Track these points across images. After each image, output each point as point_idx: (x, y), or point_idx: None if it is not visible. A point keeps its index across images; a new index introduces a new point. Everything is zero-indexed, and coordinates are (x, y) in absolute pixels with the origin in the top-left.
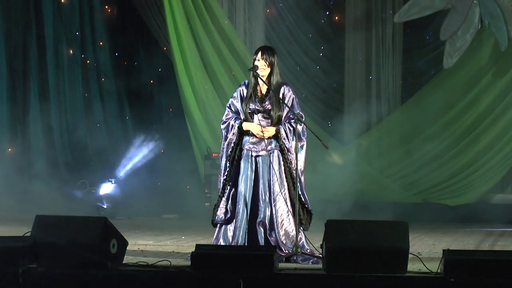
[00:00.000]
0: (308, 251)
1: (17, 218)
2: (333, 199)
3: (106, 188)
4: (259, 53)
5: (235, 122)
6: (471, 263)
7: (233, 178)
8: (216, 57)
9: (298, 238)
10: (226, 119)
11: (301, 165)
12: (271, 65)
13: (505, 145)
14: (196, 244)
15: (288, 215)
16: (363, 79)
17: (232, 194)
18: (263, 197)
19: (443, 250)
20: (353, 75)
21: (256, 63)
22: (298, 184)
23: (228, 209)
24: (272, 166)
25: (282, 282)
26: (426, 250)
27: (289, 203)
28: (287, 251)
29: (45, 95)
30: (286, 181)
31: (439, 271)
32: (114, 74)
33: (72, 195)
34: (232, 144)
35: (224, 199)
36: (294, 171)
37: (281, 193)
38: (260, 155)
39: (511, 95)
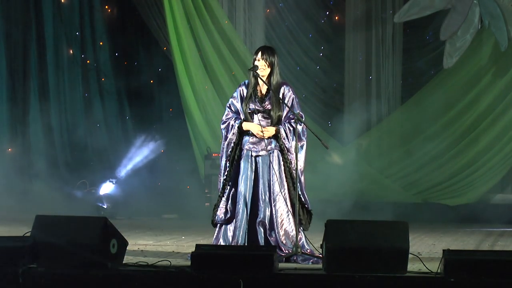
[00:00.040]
0: (308, 251)
1: (17, 218)
2: (333, 199)
3: (106, 188)
4: (259, 53)
5: (235, 122)
6: (471, 263)
7: (233, 178)
8: (216, 57)
9: (298, 238)
10: (226, 119)
11: (301, 165)
12: (271, 65)
13: (505, 145)
14: (196, 244)
15: (288, 215)
16: (363, 79)
17: (232, 194)
18: (263, 197)
19: (443, 250)
20: (353, 75)
21: (256, 63)
22: (298, 184)
23: (228, 209)
24: (272, 166)
25: (282, 282)
26: (426, 250)
27: (289, 203)
28: (287, 251)
29: (45, 95)
30: (286, 181)
31: (439, 271)
32: (114, 74)
33: (72, 195)
34: (232, 144)
35: (224, 199)
36: (294, 171)
37: (281, 193)
38: (260, 155)
39: (511, 95)
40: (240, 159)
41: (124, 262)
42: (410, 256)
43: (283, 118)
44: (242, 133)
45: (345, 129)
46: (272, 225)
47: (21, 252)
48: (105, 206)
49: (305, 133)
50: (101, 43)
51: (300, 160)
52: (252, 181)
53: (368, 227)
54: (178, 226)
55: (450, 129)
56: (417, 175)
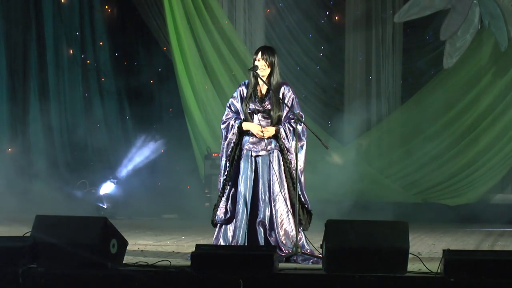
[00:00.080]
0: (308, 251)
1: (17, 218)
2: (333, 199)
3: (106, 188)
4: (259, 53)
5: (235, 122)
6: (471, 263)
7: (233, 178)
8: (216, 57)
9: (298, 238)
10: (226, 119)
11: (301, 165)
12: (271, 65)
13: (505, 145)
14: (196, 244)
15: (288, 215)
16: (363, 79)
17: (232, 194)
18: (263, 197)
19: (443, 250)
20: (353, 75)
21: (256, 63)
22: (298, 184)
23: (228, 209)
24: (272, 166)
25: (282, 282)
26: (426, 250)
27: (288, 203)
28: (287, 251)
29: (45, 95)
30: (286, 181)
31: (439, 271)
32: (114, 74)
33: (72, 195)
34: (232, 144)
35: (224, 199)
36: (294, 171)
37: (281, 193)
38: (260, 155)
39: (511, 95)
40: (240, 159)
41: (124, 262)
42: (410, 256)
43: (283, 118)
44: (242, 133)
45: (345, 129)
46: (272, 225)
47: (21, 252)
48: (105, 206)
49: (305, 133)
50: (101, 43)
51: (300, 160)
52: (252, 181)
53: (368, 227)
54: (178, 226)
55: (450, 129)
56: (417, 175)
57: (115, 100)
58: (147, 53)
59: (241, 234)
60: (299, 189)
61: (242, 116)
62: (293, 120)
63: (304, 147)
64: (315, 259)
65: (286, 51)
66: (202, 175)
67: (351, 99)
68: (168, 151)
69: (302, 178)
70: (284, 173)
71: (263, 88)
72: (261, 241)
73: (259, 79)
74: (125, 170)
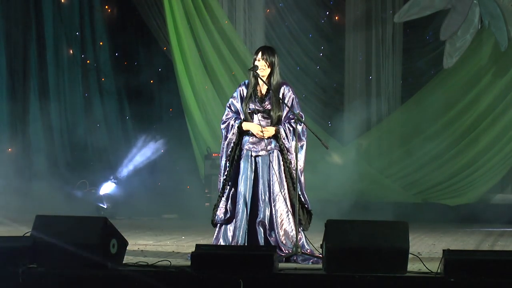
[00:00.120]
0: (308, 251)
1: (17, 218)
2: (333, 199)
3: (106, 188)
4: (260, 53)
5: (235, 122)
6: (471, 263)
7: (233, 178)
8: (216, 57)
9: (298, 238)
10: (226, 119)
11: (301, 165)
12: (271, 65)
13: (505, 145)
14: (196, 244)
15: (288, 215)
16: (363, 79)
17: (232, 194)
18: (263, 197)
19: (443, 250)
20: (353, 75)
21: (256, 63)
22: (298, 184)
23: (228, 209)
24: (272, 166)
25: (282, 282)
26: (426, 250)
27: (288, 203)
28: (287, 251)
29: (45, 95)
30: (286, 181)
31: (439, 271)
32: (114, 74)
33: (72, 195)
34: (232, 144)
35: (223, 199)
36: (293, 171)
37: (281, 193)
38: (259, 155)
39: (511, 95)
40: (240, 159)
41: (124, 262)
42: (410, 256)
43: (283, 118)
44: (242, 133)
45: (345, 129)
46: (272, 225)
47: (21, 252)
48: (105, 206)
49: (305, 133)
50: (101, 43)
51: (300, 160)
52: (252, 181)
53: (368, 227)
54: (178, 226)
55: (450, 129)
56: (417, 175)
57: (115, 100)
58: (147, 53)
59: (241, 234)
60: (299, 189)
61: (242, 116)
62: (293, 120)
63: (304, 147)
64: (315, 259)
65: (286, 51)
66: (202, 175)
67: (351, 99)
68: (168, 151)
69: (302, 178)
70: (284, 173)
71: (263, 88)
72: (261, 241)
73: (259, 79)
74: (125, 170)
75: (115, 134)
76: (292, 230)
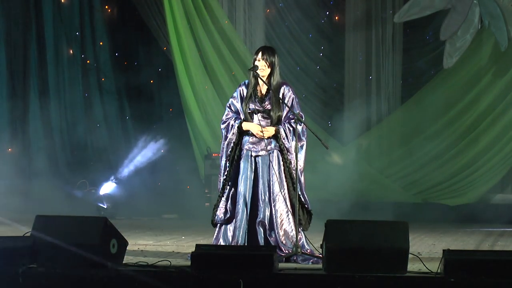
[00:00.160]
0: (308, 251)
1: (17, 218)
2: (333, 199)
3: (106, 188)
4: (260, 53)
5: (235, 122)
6: (471, 263)
7: (232, 178)
8: (216, 57)
9: (298, 238)
10: (226, 119)
11: (301, 165)
12: (271, 65)
13: (505, 145)
14: (196, 244)
15: (288, 215)
16: (363, 79)
17: (231, 194)
18: (263, 197)
19: (443, 250)
20: (353, 75)
21: (256, 63)
22: (298, 184)
23: (228, 209)
24: (272, 166)
25: (282, 282)
26: (426, 250)
27: (288, 203)
28: (287, 251)
29: (45, 95)
30: (286, 181)
31: (439, 271)
32: (114, 74)
33: (72, 195)
34: (232, 144)
35: (223, 199)
36: (293, 171)
37: (281, 193)
38: (259, 155)
39: (511, 95)
40: (240, 159)
41: (124, 262)
42: (410, 256)
43: (283, 118)
44: (242, 133)
45: (345, 129)
46: (271, 225)
47: (21, 252)
48: (105, 206)
49: (305, 133)
50: (101, 43)
51: (300, 160)
52: (252, 181)
53: (368, 227)
54: (178, 226)
55: (450, 129)
56: (417, 175)
57: (115, 100)
58: (147, 53)
59: (241, 234)
60: (299, 189)
61: (242, 116)
62: (293, 120)
63: (304, 147)
64: (315, 259)
65: (286, 51)
66: (202, 175)
67: (351, 99)
68: (168, 151)
69: (302, 178)
70: (284, 173)
71: (263, 88)
72: (261, 241)
73: (259, 79)
74: (126, 170)
75: (115, 134)
76: (292, 230)
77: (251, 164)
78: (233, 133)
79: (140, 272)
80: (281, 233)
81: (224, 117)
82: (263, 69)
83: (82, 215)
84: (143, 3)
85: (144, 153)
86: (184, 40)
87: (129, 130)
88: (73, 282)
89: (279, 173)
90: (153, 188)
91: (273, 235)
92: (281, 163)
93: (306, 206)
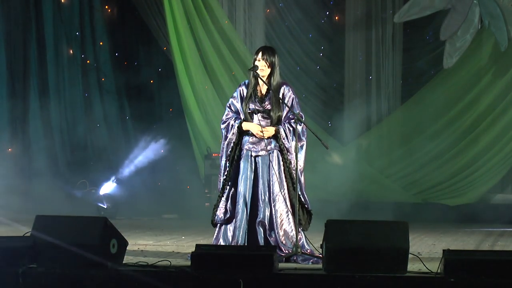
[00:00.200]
0: (308, 251)
1: (17, 218)
2: (333, 199)
3: (106, 188)
4: (260, 53)
5: (235, 122)
6: (471, 263)
7: (232, 178)
8: (216, 57)
9: (298, 238)
10: (226, 119)
11: (301, 165)
12: (271, 65)
13: (505, 145)
14: (196, 244)
15: (288, 215)
16: (363, 79)
17: (231, 194)
18: (263, 197)
19: (443, 250)
20: (353, 75)
21: (256, 63)
22: (298, 184)
23: (228, 209)
24: (272, 166)
25: (282, 282)
26: (426, 250)
27: (288, 203)
28: (287, 251)
29: (45, 95)
30: (286, 181)
31: (439, 271)
32: (114, 74)
33: (72, 195)
34: (232, 144)
35: (223, 199)
36: (293, 171)
37: (281, 193)
38: (259, 155)
39: (511, 95)
40: (240, 159)
41: (124, 262)
42: (410, 256)
43: (283, 118)
44: (242, 133)
45: (345, 129)
46: (271, 225)
47: (21, 252)
48: (105, 206)
49: (305, 133)
50: (101, 43)
51: (300, 160)
52: (252, 181)
53: (368, 227)
54: (178, 226)
55: (450, 129)
56: (417, 175)
57: (115, 100)
58: (147, 53)
59: (241, 234)
60: (298, 189)
61: (242, 116)
62: (293, 120)
63: (304, 147)
64: (315, 259)
65: (286, 51)
66: (202, 175)
67: (351, 99)
68: (168, 151)
69: (302, 178)
70: (284, 173)
71: (263, 88)
72: (261, 241)
73: (259, 79)
74: (127, 170)
75: (115, 134)
76: (292, 230)
77: (251, 164)
78: (233, 133)
79: (140, 272)
80: (281, 233)
81: (224, 117)
82: (263, 69)
83: (82, 215)
84: (143, 3)
85: (146, 153)
86: (184, 40)
87: (129, 130)
88: (73, 282)
89: (279, 173)
90: (153, 188)
91: (273, 235)
92: (281, 163)
93: (306, 206)
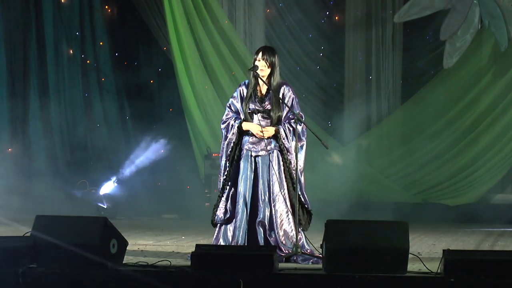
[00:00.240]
0: (308, 251)
1: (17, 218)
2: (333, 199)
3: (106, 188)
4: (260, 54)
5: (235, 122)
6: (471, 263)
7: (232, 178)
8: (216, 57)
9: (298, 238)
10: (226, 118)
11: (301, 165)
12: (271, 65)
13: (505, 145)
14: (196, 244)
15: (288, 215)
16: (363, 79)
17: (231, 194)
18: (263, 197)
19: (443, 250)
20: (353, 75)
21: (256, 63)
22: (298, 184)
23: (228, 209)
24: (272, 166)
25: (282, 282)
26: (426, 250)
27: (288, 203)
28: (287, 251)
29: (45, 95)
30: (286, 181)
31: (439, 271)
32: (114, 73)
33: (72, 195)
34: (232, 144)
35: (223, 199)
36: (293, 171)
37: (281, 193)
38: (259, 155)
39: (511, 95)
40: (240, 159)
41: (124, 262)
42: (410, 256)
43: (283, 118)
44: (242, 133)
45: (345, 129)
46: (271, 225)
47: (21, 252)
48: (105, 206)
49: (305, 133)
50: (101, 43)
51: (300, 160)
52: (252, 181)
53: (368, 227)
54: (178, 226)
55: (450, 129)
56: (417, 175)
57: (115, 100)
58: (147, 53)
59: (241, 234)
60: (298, 189)
61: (242, 116)
62: (293, 120)
63: (304, 147)
64: (315, 259)
65: (286, 51)
66: (202, 175)
67: (351, 99)
68: (168, 151)
69: (302, 178)
70: (284, 173)
71: (263, 88)
72: (261, 241)
73: (259, 79)
74: (128, 170)
75: (115, 134)
76: (292, 230)
77: (251, 164)
78: (233, 133)
79: (140, 272)
80: (281, 233)
81: (224, 117)
82: (263, 69)
83: (82, 215)
84: (143, 3)
85: (147, 154)
86: (184, 40)
87: (129, 130)
88: (73, 282)
89: (279, 173)
90: (153, 188)
91: (273, 235)
92: (281, 163)
93: (306, 206)
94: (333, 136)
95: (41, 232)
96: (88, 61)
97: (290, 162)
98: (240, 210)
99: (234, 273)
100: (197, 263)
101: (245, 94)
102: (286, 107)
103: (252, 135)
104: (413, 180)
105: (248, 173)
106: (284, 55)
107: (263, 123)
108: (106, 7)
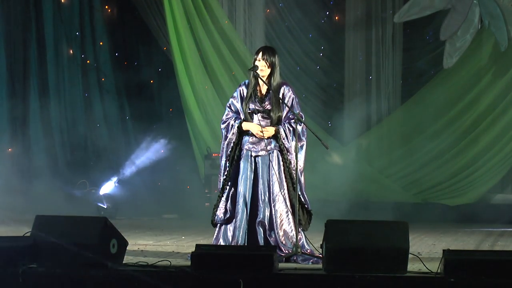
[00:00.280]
0: (308, 251)
1: (17, 218)
2: (333, 199)
3: (106, 188)
4: (260, 54)
5: (235, 122)
6: (471, 263)
7: (232, 178)
8: (216, 57)
9: (298, 238)
10: (226, 118)
11: (300, 165)
12: (271, 65)
13: (505, 145)
14: (196, 244)
15: (288, 215)
16: (363, 79)
17: (231, 194)
18: (263, 197)
19: (443, 250)
20: (353, 75)
21: (256, 63)
22: (298, 184)
23: (228, 209)
24: (272, 166)
25: (282, 282)
26: (426, 250)
27: (288, 203)
28: (287, 251)
29: (45, 95)
30: (286, 181)
31: (439, 271)
32: (114, 73)
33: (72, 195)
34: (232, 144)
35: (223, 199)
36: (293, 171)
37: (281, 193)
38: (259, 155)
39: (511, 95)
40: (240, 159)
41: (124, 262)
42: (410, 256)
43: (283, 118)
44: (242, 133)
45: (345, 129)
46: (271, 226)
47: (21, 252)
48: (105, 206)
49: (305, 133)
50: (101, 43)
51: (300, 160)
52: (252, 181)
53: (368, 227)
54: (178, 226)
55: (450, 129)
56: (417, 175)
57: (115, 100)
58: (147, 52)
59: (241, 234)
60: (298, 189)
61: (242, 116)
62: (293, 120)
63: (304, 147)
64: (315, 259)
65: (286, 51)
66: (202, 175)
67: (351, 99)
68: (168, 151)
69: (302, 178)
70: (284, 173)
71: (263, 88)
72: (261, 241)
73: (259, 79)
74: (128, 170)
75: (115, 134)
76: (292, 230)
77: (251, 164)
78: (233, 133)
79: (140, 272)
80: (281, 233)
81: (224, 117)
82: (263, 69)
83: (82, 215)
84: (143, 3)
85: (148, 155)
86: (184, 40)
87: (129, 130)
88: (73, 282)
89: (279, 173)
90: (153, 188)
91: (273, 235)
92: (281, 163)
93: (306, 206)
94: (333, 136)
95: (41, 232)
96: (88, 61)
97: (290, 162)
98: (240, 210)
99: (234, 273)
100: (197, 263)
101: (245, 94)
102: (286, 107)
103: (252, 135)
104: (413, 180)
105: (248, 173)
106: (284, 55)
107: (263, 123)
108: (106, 7)
